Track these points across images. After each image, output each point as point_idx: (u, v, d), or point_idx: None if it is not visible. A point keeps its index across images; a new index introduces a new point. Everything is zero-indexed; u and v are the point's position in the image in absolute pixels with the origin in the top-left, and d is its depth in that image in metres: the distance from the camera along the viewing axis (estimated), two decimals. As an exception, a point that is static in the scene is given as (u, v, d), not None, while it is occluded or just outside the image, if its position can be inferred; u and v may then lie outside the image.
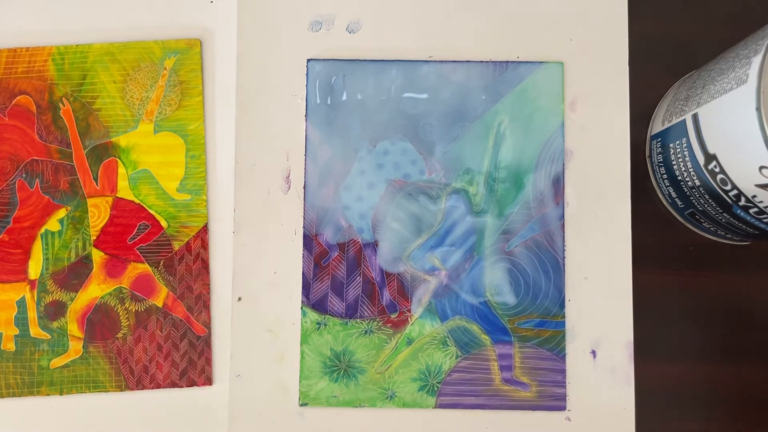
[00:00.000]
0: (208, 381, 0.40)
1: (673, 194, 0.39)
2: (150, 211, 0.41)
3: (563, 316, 0.40)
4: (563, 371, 0.40)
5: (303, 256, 0.40)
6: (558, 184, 0.41)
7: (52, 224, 0.41)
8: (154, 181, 0.41)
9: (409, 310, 0.40)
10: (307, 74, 0.41)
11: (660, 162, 0.39)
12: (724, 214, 0.36)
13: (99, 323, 0.40)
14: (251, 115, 0.41)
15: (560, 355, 0.40)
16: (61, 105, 0.41)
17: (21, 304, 0.40)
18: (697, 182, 0.36)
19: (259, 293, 0.40)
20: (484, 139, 0.41)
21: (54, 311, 0.40)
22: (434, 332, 0.40)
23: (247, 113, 0.41)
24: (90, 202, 0.41)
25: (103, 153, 0.41)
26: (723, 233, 0.39)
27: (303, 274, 0.40)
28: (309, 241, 0.40)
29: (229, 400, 0.40)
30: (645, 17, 0.42)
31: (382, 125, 0.41)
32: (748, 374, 0.40)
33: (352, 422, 0.40)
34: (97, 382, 0.40)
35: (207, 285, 0.41)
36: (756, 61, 0.30)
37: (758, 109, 0.30)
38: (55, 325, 0.40)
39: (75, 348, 0.40)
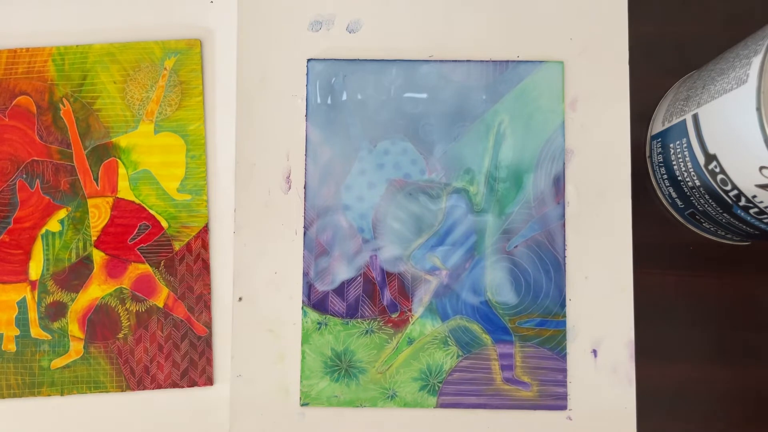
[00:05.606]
0: (209, 381, 0.40)
1: (673, 194, 0.39)
2: (150, 211, 0.41)
3: (564, 316, 0.40)
4: (564, 371, 0.40)
5: (303, 256, 0.40)
6: (558, 184, 0.41)
7: (53, 225, 0.41)
8: (155, 182, 0.41)
9: (410, 310, 0.40)
10: (307, 74, 0.41)
11: (660, 162, 0.39)
12: (725, 214, 0.36)
13: (100, 324, 0.40)
14: (251, 115, 0.41)
15: (561, 354, 0.40)
16: (61, 105, 0.41)
17: (22, 304, 0.40)
18: (697, 182, 0.36)
19: (260, 293, 0.40)
20: (485, 138, 0.41)
21: (55, 312, 0.40)
22: (435, 332, 0.40)
23: (247, 113, 0.41)
24: (90, 202, 0.41)
25: (104, 153, 0.41)
26: (723, 233, 0.39)
27: (303, 274, 0.40)
28: (309, 241, 0.40)
29: (230, 401, 0.40)
30: (645, 17, 0.42)
31: (382, 125, 0.41)
32: (748, 374, 0.41)
33: (353, 422, 0.40)
34: (98, 382, 0.40)
35: (208, 285, 0.41)
36: (756, 61, 0.30)
37: (758, 109, 0.30)
38: (55, 325, 0.40)
39: (76, 348, 0.40)
